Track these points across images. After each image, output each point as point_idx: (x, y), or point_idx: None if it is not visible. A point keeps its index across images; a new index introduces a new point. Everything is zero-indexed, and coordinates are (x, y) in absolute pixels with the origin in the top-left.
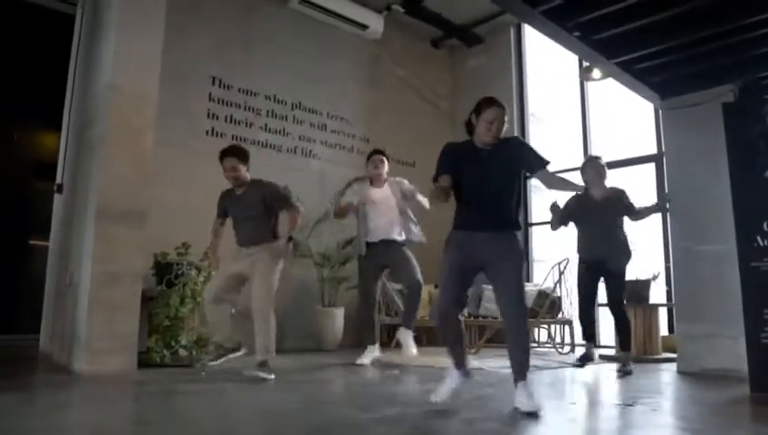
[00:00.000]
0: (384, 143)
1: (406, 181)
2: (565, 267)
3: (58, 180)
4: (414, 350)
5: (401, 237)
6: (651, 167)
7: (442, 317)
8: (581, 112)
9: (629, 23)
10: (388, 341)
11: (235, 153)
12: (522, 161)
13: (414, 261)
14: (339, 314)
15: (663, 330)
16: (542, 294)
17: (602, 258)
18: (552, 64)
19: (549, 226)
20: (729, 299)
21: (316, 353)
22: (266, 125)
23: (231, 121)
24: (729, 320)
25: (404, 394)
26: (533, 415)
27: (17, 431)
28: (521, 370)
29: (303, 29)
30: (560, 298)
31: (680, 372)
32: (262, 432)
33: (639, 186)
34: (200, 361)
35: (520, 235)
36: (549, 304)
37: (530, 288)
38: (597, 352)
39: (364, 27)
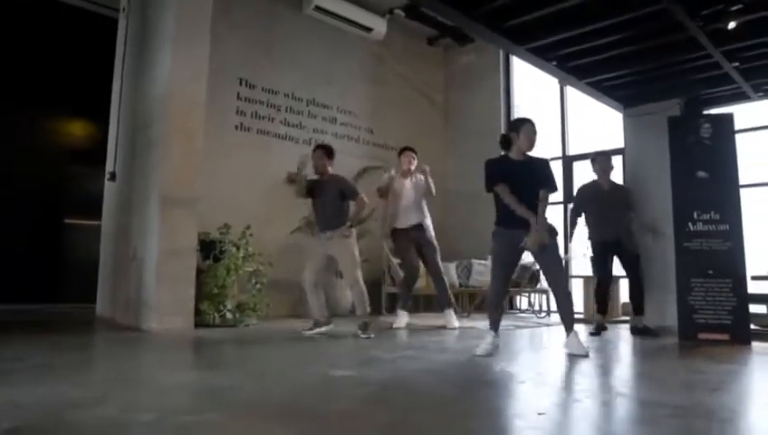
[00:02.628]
0: (386, 133)
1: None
2: None
3: (109, 169)
4: (456, 323)
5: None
6: (618, 159)
7: (497, 296)
8: (560, 108)
9: (598, 54)
10: (392, 308)
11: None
12: (542, 177)
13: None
14: None
15: (624, 298)
16: (524, 268)
17: (616, 239)
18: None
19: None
20: (669, 271)
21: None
22: (285, 119)
23: (256, 117)
24: (669, 287)
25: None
26: (585, 356)
27: (136, 366)
28: (569, 324)
29: (317, 33)
30: (538, 271)
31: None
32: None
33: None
34: (242, 322)
35: None
36: (529, 277)
37: None
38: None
39: (369, 30)
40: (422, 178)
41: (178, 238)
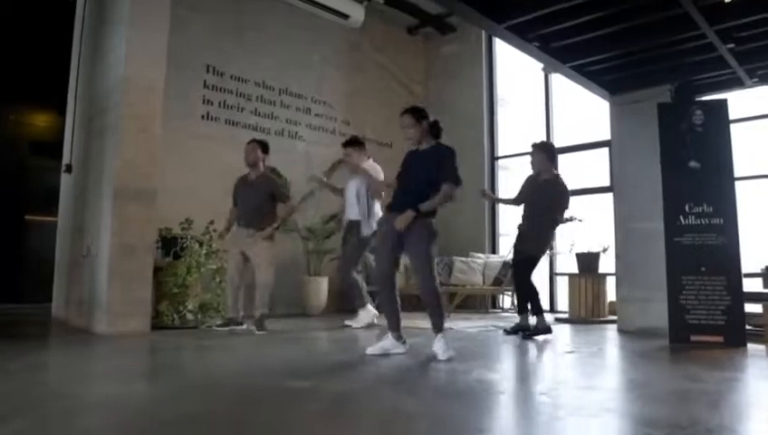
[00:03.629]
0: (363, 125)
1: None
2: None
3: (66, 161)
4: (361, 323)
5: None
6: (605, 151)
7: (384, 278)
8: (545, 98)
9: (583, 34)
10: None
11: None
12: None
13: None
14: (323, 283)
15: (612, 296)
16: (506, 265)
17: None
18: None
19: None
20: (659, 268)
21: (303, 318)
22: (256, 109)
23: (224, 106)
24: (658, 286)
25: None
26: (448, 360)
27: (74, 376)
28: (434, 325)
29: (290, 18)
30: None
31: (619, 330)
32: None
33: (595, 168)
34: (205, 323)
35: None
36: (511, 274)
37: (495, 259)
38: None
39: (346, 16)
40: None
41: (133, 234)
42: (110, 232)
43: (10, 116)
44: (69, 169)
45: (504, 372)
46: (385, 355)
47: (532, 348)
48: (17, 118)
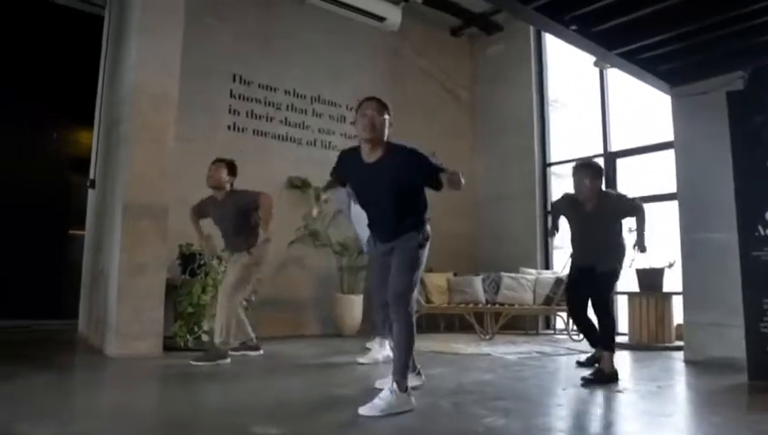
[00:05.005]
0: (403, 133)
1: None
2: None
3: (91, 176)
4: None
5: None
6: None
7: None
8: (600, 98)
9: (629, 13)
10: None
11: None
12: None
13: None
14: (357, 302)
15: (679, 318)
16: (559, 282)
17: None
18: (572, 49)
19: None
20: (735, 288)
21: (335, 339)
22: (286, 119)
23: (252, 116)
24: (735, 309)
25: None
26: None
27: (55, 408)
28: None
29: (321, 23)
30: None
31: (686, 361)
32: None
33: (660, 173)
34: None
35: None
36: (562, 292)
37: (548, 275)
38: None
39: (381, 19)
40: None
41: (144, 252)
42: (120, 249)
43: (53, 134)
44: (92, 184)
45: (524, 418)
46: None
47: (571, 383)
48: (60, 135)
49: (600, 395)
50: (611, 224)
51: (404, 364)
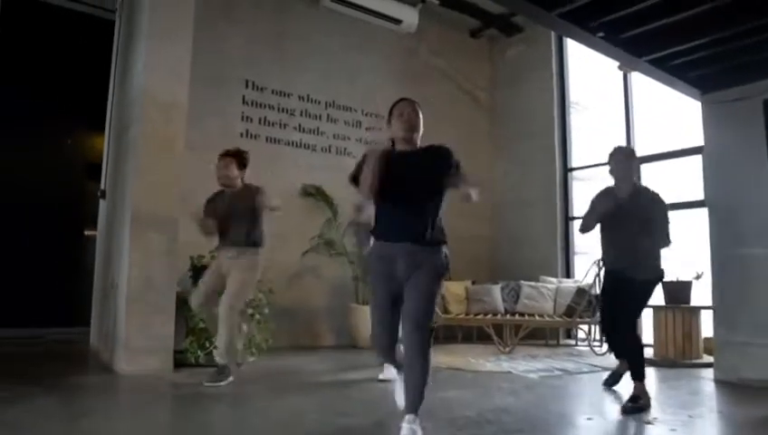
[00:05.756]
0: (423, 138)
1: None
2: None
3: (102, 186)
4: None
5: None
6: (699, 159)
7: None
8: (624, 101)
9: (657, 20)
10: None
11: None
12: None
13: None
14: None
15: (707, 332)
16: (581, 292)
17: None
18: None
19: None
20: None
21: (349, 352)
22: (300, 125)
23: (265, 123)
24: None
25: None
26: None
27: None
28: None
29: (336, 27)
30: (597, 296)
31: (717, 380)
32: None
33: (688, 179)
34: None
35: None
36: (586, 303)
37: (569, 284)
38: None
39: (398, 22)
40: None
41: (153, 265)
42: (129, 262)
43: (68, 140)
44: (103, 194)
45: None
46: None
47: (595, 409)
48: (74, 141)
49: (628, 427)
50: (650, 218)
51: (421, 399)
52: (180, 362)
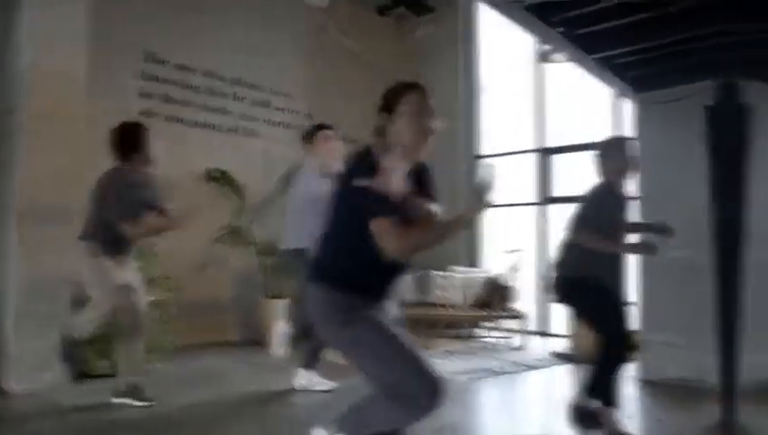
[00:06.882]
0: (330, 119)
1: None
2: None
3: None
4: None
5: None
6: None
7: None
8: (536, 90)
9: (614, 20)
10: None
11: None
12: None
13: None
14: (282, 306)
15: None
16: (490, 282)
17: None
18: (506, 37)
19: None
20: (694, 308)
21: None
22: (205, 104)
23: (166, 101)
24: (692, 329)
25: None
26: None
27: None
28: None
29: None
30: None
31: (641, 379)
32: None
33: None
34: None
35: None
36: (499, 295)
37: (477, 274)
38: None
39: None
40: None
41: (44, 267)
42: (15, 263)
43: None
44: None
45: None
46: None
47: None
48: None
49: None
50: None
51: (355, 424)
52: (84, 373)
